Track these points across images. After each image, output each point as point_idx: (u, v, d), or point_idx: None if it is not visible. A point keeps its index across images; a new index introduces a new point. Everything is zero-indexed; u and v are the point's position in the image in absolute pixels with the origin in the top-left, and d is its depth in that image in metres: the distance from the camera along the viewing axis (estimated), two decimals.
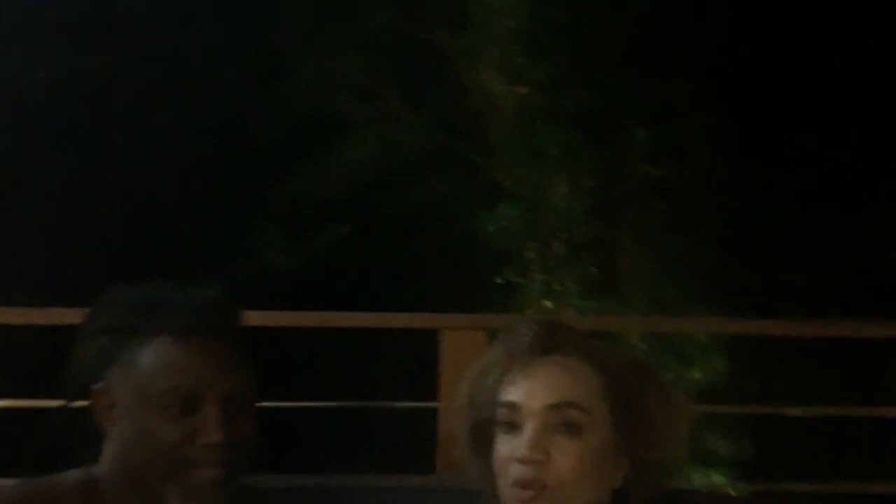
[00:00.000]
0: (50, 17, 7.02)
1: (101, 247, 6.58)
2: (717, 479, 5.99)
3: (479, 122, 7.54)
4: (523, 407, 1.10)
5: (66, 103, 7.04)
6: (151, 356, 1.06)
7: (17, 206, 6.89)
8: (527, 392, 1.10)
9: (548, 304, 6.57)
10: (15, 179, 6.87)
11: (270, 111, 7.53)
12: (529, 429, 1.08)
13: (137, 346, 1.07)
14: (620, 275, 6.81)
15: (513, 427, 1.10)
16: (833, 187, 6.47)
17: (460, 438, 1.16)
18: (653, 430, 1.11)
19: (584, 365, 1.11)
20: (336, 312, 2.35)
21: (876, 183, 6.40)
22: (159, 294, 1.11)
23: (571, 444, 1.08)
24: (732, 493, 5.31)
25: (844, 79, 6.53)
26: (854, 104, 6.54)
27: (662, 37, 6.84)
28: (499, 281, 6.85)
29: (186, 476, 1.05)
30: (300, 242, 7.48)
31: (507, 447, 1.09)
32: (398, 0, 7.62)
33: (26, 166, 6.92)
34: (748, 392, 6.09)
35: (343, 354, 5.92)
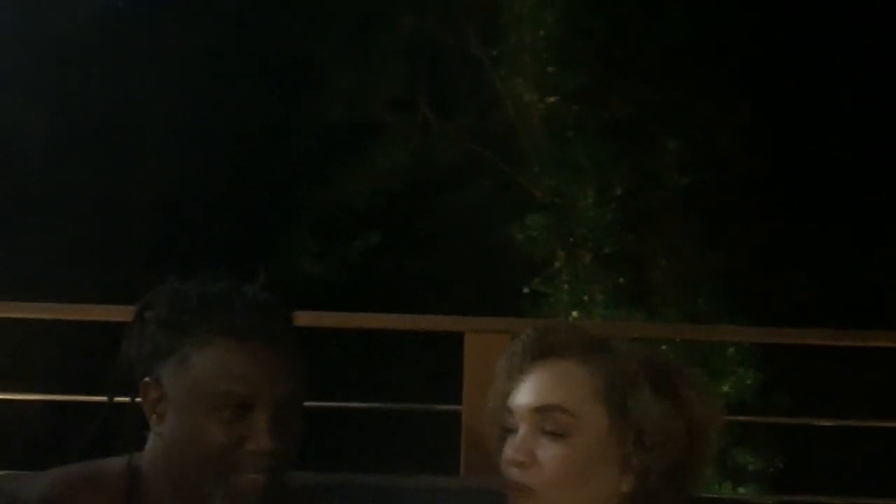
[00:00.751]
0: (87, 22, 7.13)
1: (135, 254, 6.66)
2: (746, 494, 5.92)
3: (511, 132, 7.56)
4: (515, 411, 1.12)
5: (106, 110, 7.16)
6: (208, 357, 1.06)
7: (59, 210, 7.01)
8: (519, 396, 1.12)
9: (575, 314, 6.55)
10: (60, 183, 6.99)
11: (305, 120, 7.61)
12: (520, 432, 1.11)
13: (194, 345, 1.06)
14: (650, 286, 6.77)
15: (513, 431, 1.12)
16: (870, 198, 6.39)
17: (491, 447, 1.16)
18: (653, 433, 1.08)
19: (580, 367, 1.11)
20: (359, 314, 2.36)
21: None
22: (216, 292, 1.09)
23: (557, 447, 1.09)
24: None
25: (882, 91, 6.46)
26: (892, 115, 6.46)
27: (695, 47, 6.80)
28: (526, 291, 6.84)
29: (231, 480, 1.05)
30: (333, 250, 7.54)
31: (507, 450, 1.12)
32: (432, 10, 7.67)
33: (73, 170, 7.04)
34: (778, 406, 6.01)
35: (371, 357, 5.95)
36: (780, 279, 6.48)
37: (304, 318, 2.23)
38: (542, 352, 1.14)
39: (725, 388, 6.20)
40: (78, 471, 1.14)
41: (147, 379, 1.10)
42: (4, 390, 2.27)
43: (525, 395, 1.13)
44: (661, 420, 1.09)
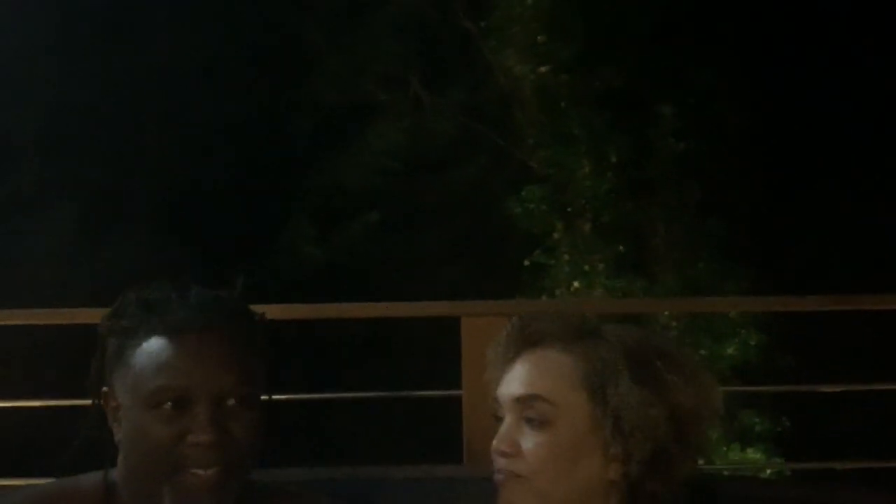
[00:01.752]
0: (82, 14, 7.09)
1: (135, 245, 6.67)
2: (754, 455, 5.95)
3: (505, 106, 7.53)
4: (501, 401, 1.14)
5: (101, 101, 7.13)
6: (144, 355, 1.06)
7: (58, 202, 7.01)
8: (504, 386, 1.14)
9: (576, 284, 6.55)
10: (55, 176, 6.99)
11: (298, 103, 7.58)
12: (505, 421, 1.12)
13: (134, 347, 1.07)
14: (650, 254, 6.77)
15: (501, 420, 1.14)
16: (866, 160, 6.36)
17: (492, 431, 1.16)
18: (630, 420, 1.08)
19: (563, 355, 1.11)
20: (354, 304, 2.35)
21: None
22: (156, 294, 1.09)
23: (539, 436, 1.10)
24: (769, 470, 5.29)
25: (879, 53, 6.39)
26: (887, 79, 6.41)
27: (688, 12, 6.74)
28: (526, 263, 6.84)
29: (180, 476, 1.04)
30: (332, 233, 7.54)
31: (494, 440, 1.13)
32: None
33: (67, 164, 7.03)
34: (783, 367, 6.03)
35: (374, 344, 5.96)
36: (778, 241, 6.48)
37: (301, 311, 2.25)
38: (525, 341, 1.14)
39: (730, 351, 6.22)
40: (52, 488, 1.14)
41: (105, 389, 1.11)
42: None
43: (509, 385, 1.14)
44: (638, 407, 1.09)
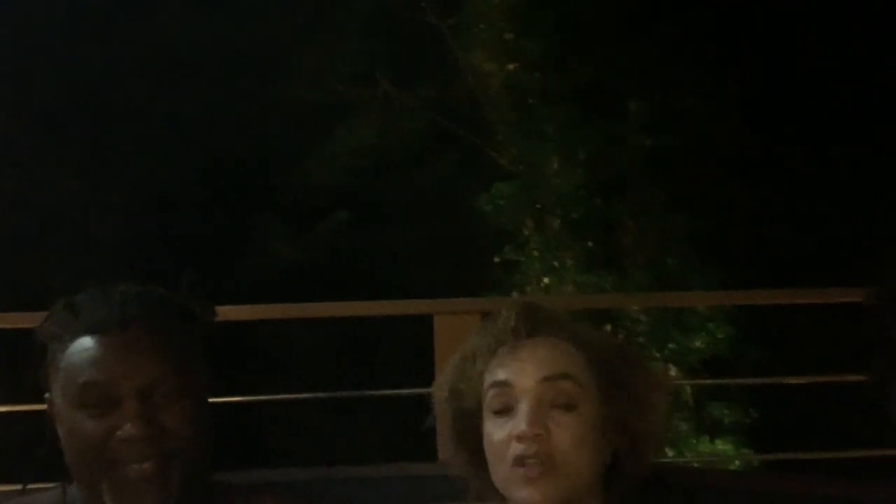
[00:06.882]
0: (48, 14, 7.00)
1: (104, 247, 6.60)
2: (723, 447, 6.02)
3: (474, 103, 7.54)
4: (517, 385, 1.09)
5: (65, 100, 7.05)
6: (70, 355, 1.07)
7: (20, 205, 6.92)
8: (518, 371, 1.09)
9: (546, 280, 6.59)
10: (18, 177, 6.89)
11: (269, 102, 7.53)
12: (525, 406, 1.07)
13: (62, 350, 1.08)
14: (620, 249, 6.82)
15: (505, 408, 1.09)
16: (834, 158, 6.44)
17: (445, 430, 1.14)
18: (638, 402, 1.10)
19: (569, 343, 1.11)
20: (326, 303, 2.35)
21: (883, 152, 6.36)
22: (82, 297, 1.10)
23: (568, 418, 1.07)
24: (737, 462, 5.36)
25: (849, 46, 6.46)
26: (855, 73, 6.48)
27: (655, 7, 6.78)
28: (497, 260, 6.86)
29: (117, 472, 1.04)
30: (303, 232, 7.51)
31: (502, 430, 1.08)
32: None
33: (30, 164, 6.94)
34: (751, 358, 6.10)
35: (347, 344, 5.96)
36: (746, 236, 6.55)
37: (273, 311, 2.25)
38: (529, 330, 1.13)
39: (698, 344, 6.28)
40: None
41: (47, 395, 1.11)
42: None
43: (528, 369, 1.10)
44: (641, 389, 1.12)
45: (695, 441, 6.00)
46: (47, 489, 1.14)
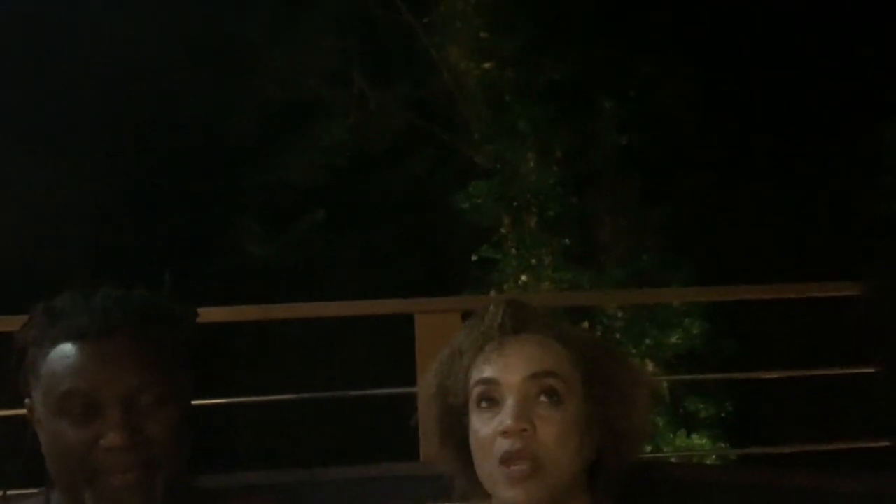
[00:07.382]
0: (15, 11, 6.91)
1: (80, 248, 6.52)
2: (699, 441, 6.07)
3: (450, 101, 7.54)
4: (502, 381, 1.09)
5: (38, 104, 6.96)
6: (51, 362, 1.05)
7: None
8: (505, 367, 1.10)
9: (524, 278, 6.61)
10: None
11: (240, 102, 7.48)
12: (511, 402, 1.08)
13: (43, 356, 1.06)
14: (596, 246, 6.85)
15: (491, 405, 1.09)
16: (807, 154, 6.50)
17: (430, 427, 1.14)
18: (623, 399, 1.11)
19: (554, 340, 1.12)
20: (305, 304, 2.33)
21: (851, 149, 6.43)
22: (62, 302, 1.09)
23: (554, 413, 1.08)
24: (714, 456, 5.41)
25: (819, 45, 6.52)
26: (827, 68, 6.55)
27: (629, 4, 6.82)
28: (475, 258, 6.87)
29: (100, 481, 1.03)
30: (279, 231, 7.47)
31: (488, 426, 1.08)
32: None
33: (3, 167, 6.85)
34: (726, 353, 6.16)
35: (326, 344, 5.93)
36: (720, 230, 6.60)
37: (250, 312, 2.22)
38: (514, 327, 1.14)
39: (674, 339, 6.34)
40: None
41: (27, 401, 1.10)
42: None
43: (513, 365, 1.11)
44: (625, 385, 1.12)
45: (671, 436, 6.04)
46: (29, 495, 1.12)
